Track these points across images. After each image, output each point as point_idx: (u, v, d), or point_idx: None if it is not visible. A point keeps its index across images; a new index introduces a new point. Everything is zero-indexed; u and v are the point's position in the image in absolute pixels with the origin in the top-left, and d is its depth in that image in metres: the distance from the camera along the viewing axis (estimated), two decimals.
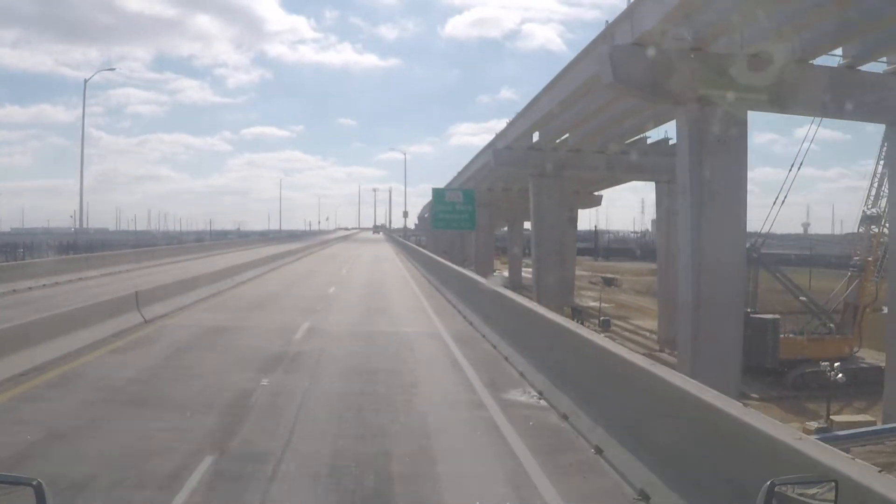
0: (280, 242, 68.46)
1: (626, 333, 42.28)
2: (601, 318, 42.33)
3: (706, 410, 5.10)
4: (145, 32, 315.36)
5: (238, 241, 66.39)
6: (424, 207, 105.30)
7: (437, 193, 34.51)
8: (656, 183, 38.84)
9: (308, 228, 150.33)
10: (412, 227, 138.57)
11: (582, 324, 34.18)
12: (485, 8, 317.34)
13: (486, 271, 57.22)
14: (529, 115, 33.91)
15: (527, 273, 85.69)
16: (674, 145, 41.16)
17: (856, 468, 3.65)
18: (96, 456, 6.33)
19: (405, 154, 59.28)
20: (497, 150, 35.47)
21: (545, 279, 36.09)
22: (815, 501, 2.65)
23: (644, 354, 8.93)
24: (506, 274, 79.51)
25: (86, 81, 41.71)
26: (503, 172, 39.61)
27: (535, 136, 36.21)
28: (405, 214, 66.55)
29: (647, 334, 42.54)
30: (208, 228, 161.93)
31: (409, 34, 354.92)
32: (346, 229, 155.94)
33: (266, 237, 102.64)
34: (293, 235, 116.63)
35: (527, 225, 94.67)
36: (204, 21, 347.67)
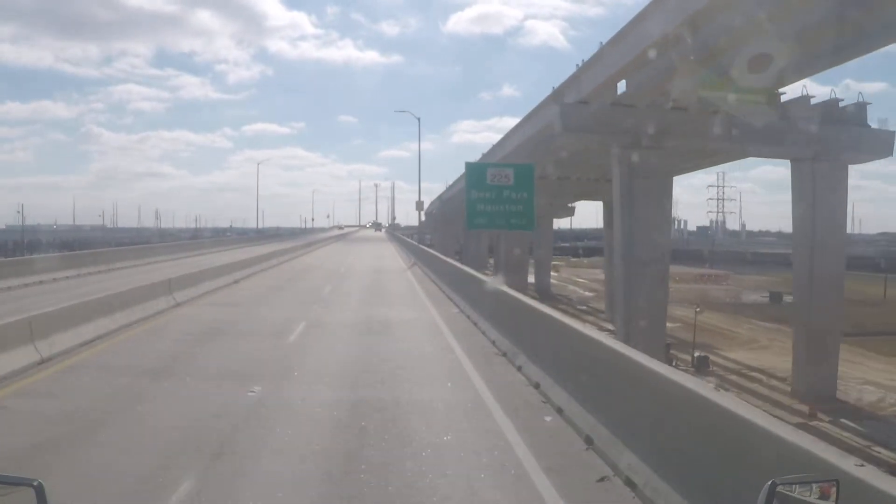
0: (256, 243, 55.24)
1: (734, 377, 28.97)
2: (696, 355, 28.96)
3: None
4: (146, 28, 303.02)
5: (190, 245, 51.17)
6: (433, 203, 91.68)
7: (474, 171, 21.04)
8: (793, 162, 25.33)
9: (304, 226, 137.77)
10: (418, 223, 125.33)
11: (672, 363, 21.19)
12: (487, 4, 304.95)
13: (520, 280, 43.80)
14: (621, 50, 20.50)
15: (554, 280, 72.28)
16: (823, 104, 27.86)
17: (857, 467, 3.49)
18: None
19: (419, 119, 43.78)
20: (566, 108, 21.96)
21: (635, 302, 22.69)
22: (817, 501, 2.52)
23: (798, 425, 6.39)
24: (531, 280, 66.19)
25: None
26: (559, 146, 25.80)
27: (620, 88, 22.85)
28: (420, 206, 51.58)
29: (764, 378, 29.25)
30: (200, 227, 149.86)
31: (410, 30, 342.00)
32: (340, 228, 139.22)
33: (263, 235, 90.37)
34: (293, 233, 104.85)
35: (556, 223, 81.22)
36: (204, 17, 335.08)
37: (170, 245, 44.09)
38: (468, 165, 21.31)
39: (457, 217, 70.89)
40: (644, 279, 22.58)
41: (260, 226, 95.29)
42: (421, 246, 43.72)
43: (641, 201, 22.36)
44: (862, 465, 3.48)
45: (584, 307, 49.40)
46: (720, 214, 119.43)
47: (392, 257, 48.88)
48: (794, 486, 2.47)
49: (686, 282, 67.12)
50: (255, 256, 31.77)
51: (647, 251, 22.43)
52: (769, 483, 2.40)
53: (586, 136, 22.57)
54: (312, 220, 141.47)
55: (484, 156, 41.44)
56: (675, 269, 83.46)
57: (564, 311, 41.83)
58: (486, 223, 20.60)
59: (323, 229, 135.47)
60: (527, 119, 27.69)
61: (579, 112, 22.13)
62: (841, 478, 2.73)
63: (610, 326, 40.17)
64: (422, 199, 55.28)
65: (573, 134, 22.39)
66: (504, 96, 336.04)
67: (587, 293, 59.57)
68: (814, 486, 2.55)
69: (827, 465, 3.52)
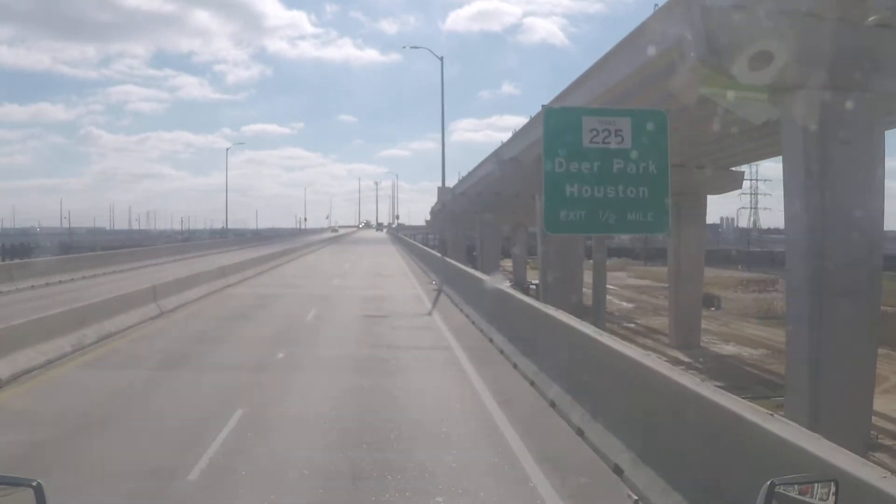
0: (225, 250, 45.40)
1: None
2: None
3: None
4: (143, 29, 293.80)
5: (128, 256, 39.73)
6: (438, 200, 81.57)
7: (558, 124, 10.95)
8: None
9: (300, 227, 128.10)
10: (424, 222, 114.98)
11: None
12: (486, 1, 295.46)
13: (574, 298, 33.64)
14: None
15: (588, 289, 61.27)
16: None
17: (857, 466, 3.41)
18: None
19: (441, 58, 31.20)
20: (711, 13, 11.89)
21: (827, 358, 12.77)
22: (816, 501, 2.48)
23: None
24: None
25: None
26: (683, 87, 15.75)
27: None
28: (443, 193, 40.46)
29: None
30: (189, 229, 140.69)
31: (409, 28, 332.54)
32: (334, 230, 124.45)
33: (258, 237, 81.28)
34: (286, 234, 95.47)
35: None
36: (203, 17, 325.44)
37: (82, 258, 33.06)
38: (548, 112, 11.27)
39: (469, 213, 61.15)
40: (840, 317, 12.62)
41: (273, 226, 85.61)
42: (449, 261, 28.66)
43: (841, 180, 12.42)
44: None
45: (632, 325, 39.43)
46: (754, 211, 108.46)
47: (401, 276, 34.98)
48: (792, 486, 2.42)
49: (732, 288, 57.03)
50: (177, 280, 20.42)
51: (849, 268, 12.48)
52: (768, 483, 2.33)
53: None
54: (305, 219, 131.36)
55: (524, 129, 30.41)
56: (708, 272, 73.59)
57: (614, 332, 31.64)
58: (584, 222, 10.61)
59: (320, 230, 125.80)
60: (625, 45, 16.44)
61: (732, 22, 12.11)
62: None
63: (682, 356, 30.41)
64: (418, 197, 44.63)
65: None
66: (504, 94, 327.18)
67: (624, 304, 49.60)
68: (813, 485, 2.48)
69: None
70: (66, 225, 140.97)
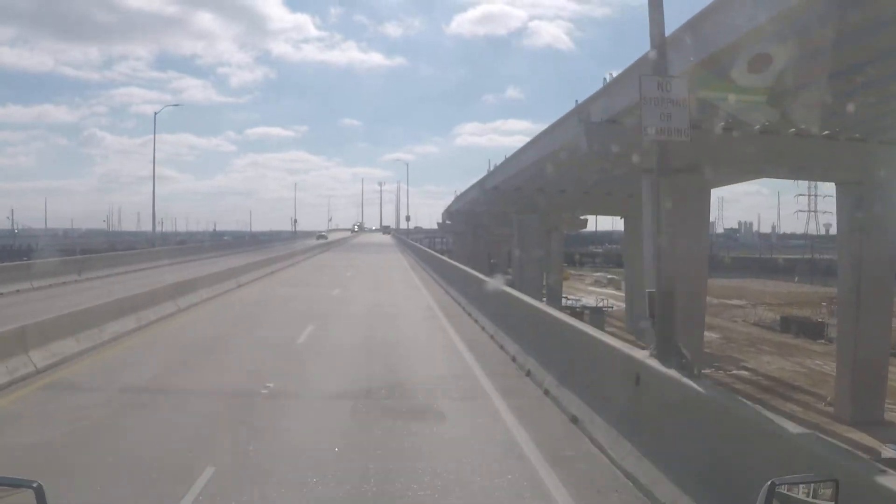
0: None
1: None
2: None
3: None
4: (146, 31, 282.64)
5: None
6: (455, 199, 70.15)
7: None
8: None
9: (294, 230, 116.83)
10: (435, 226, 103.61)
11: None
12: (491, 5, 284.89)
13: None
14: None
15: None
16: None
17: (857, 464, 3.32)
18: None
19: None
20: None
21: None
22: (816, 501, 2.39)
23: None
24: (586, 299, 44.15)
25: None
26: None
27: None
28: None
29: None
30: (194, 230, 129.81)
31: (414, 32, 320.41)
32: (322, 237, 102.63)
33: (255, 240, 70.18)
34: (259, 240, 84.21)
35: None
36: (206, 19, 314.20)
37: None
38: None
39: (494, 214, 49.66)
40: None
41: (277, 229, 74.44)
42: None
43: None
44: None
45: (745, 372, 27.18)
46: (813, 214, 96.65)
47: (471, 399, 9.02)
48: (793, 486, 2.36)
49: (813, 307, 43.87)
50: None
51: None
52: (768, 483, 2.28)
53: None
54: (296, 221, 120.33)
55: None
56: (757, 284, 60.21)
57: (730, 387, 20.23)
58: None
59: (314, 233, 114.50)
60: None
61: None
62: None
63: (876, 445, 18.75)
64: (421, 202, 33.11)
65: None
66: (508, 99, 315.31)
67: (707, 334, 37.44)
68: (813, 486, 2.43)
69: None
70: (52, 227, 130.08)
